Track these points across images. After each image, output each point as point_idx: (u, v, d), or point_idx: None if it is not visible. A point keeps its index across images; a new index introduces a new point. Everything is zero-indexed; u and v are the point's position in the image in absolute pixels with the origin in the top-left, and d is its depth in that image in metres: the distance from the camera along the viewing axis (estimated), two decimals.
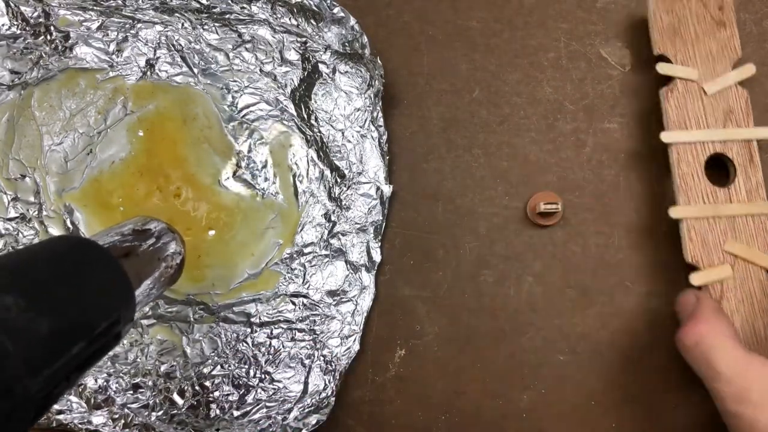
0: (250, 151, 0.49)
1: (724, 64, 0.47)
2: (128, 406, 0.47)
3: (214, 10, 0.48)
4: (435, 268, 0.48)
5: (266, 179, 0.48)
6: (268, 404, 0.47)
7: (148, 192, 0.48)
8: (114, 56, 0.49)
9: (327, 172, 0.48)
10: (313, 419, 0.46)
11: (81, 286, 0.31)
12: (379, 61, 0.46)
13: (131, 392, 0.47)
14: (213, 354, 0.47)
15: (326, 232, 0.48)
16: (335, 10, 0.47)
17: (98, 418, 0.47)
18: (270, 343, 0.47)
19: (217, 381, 0.47)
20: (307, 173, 0.48)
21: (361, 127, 0.48)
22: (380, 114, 0.47)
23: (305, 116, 0.48)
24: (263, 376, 0.47)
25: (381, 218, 0.48)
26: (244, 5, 0.48)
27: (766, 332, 0.45)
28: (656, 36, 0.47)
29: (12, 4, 0.48)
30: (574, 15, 0.49)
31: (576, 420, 0.48)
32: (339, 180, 0.48)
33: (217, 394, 0.47)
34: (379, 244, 0.47)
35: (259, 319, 0.48)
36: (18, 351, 0.26)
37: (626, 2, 0.49)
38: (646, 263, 0.48)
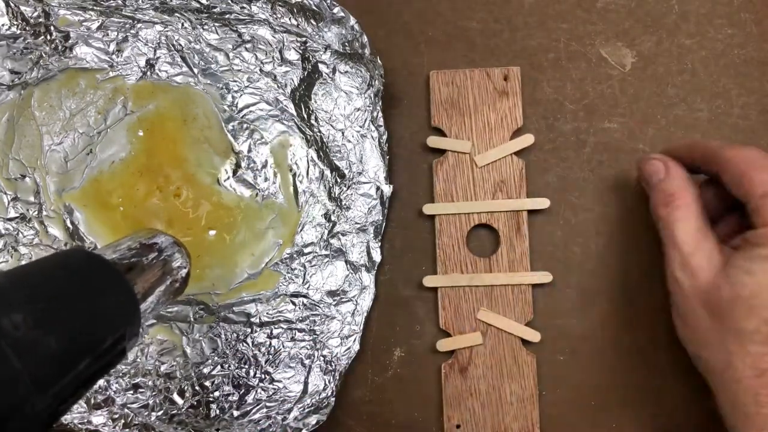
0: (250, 151, 0.49)
1: (503, 134, 0.48)
2: (128, 406, 0.47)
3: (214, 10, 0.48)
4: (435, 268, 0.48)
5: (266, 179, 0.48)
6: (268, 404, 0.47)
7: (148, 192, 0.48)
8: (114, 56, 0.49)
9: (327, 172, 0.48)
10: (313, 419, 0.46)
11: (89, 303, 0.31)
12: (379, 61, 0.46)
13: (131, 392, 0.47)
14: (213, 354, 0.47)
15: (326, 232, 0.48)
16: (335, 10, 0.47)
17: (98, 418, 0.47)
18: (270, 343, 0.47)
19: (217, 381, 0.47)
20: (307, 173, 0.48)
21: (361, 126, 0.48)
22: (380, 114, 0.47)
23: (305, 116, 0.48)
24: (263, 376, 0.47)
25: (381, 218, 0.48)
26: (244, 5, 0.48)
27: (512, 397, 0.47)
28: (433, 109, 0.49)
29: (12, 4, 0.48)
30: (574, 15, 0.49)
31: (576, 420, 0.48)
32: (339, 180, 0.48)
33: (217, 394, 0.47)
34: (379, 244, 0.47)
35: (259, 319, 0.48)
36: (26, 369, 0.26)
37: (626, 2, 0.49)
38: (646, 263, 0.48)
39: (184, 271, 0.42)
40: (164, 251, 0.40)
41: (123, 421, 0.46)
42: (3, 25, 0.48)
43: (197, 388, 0.47)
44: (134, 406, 0.47)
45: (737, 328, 0.37)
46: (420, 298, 0.49)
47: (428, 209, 0.48)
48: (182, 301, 0.48)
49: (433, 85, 0.48)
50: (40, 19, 0.48)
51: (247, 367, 0.47)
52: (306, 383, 0.47)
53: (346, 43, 0.47)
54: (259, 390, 0.47)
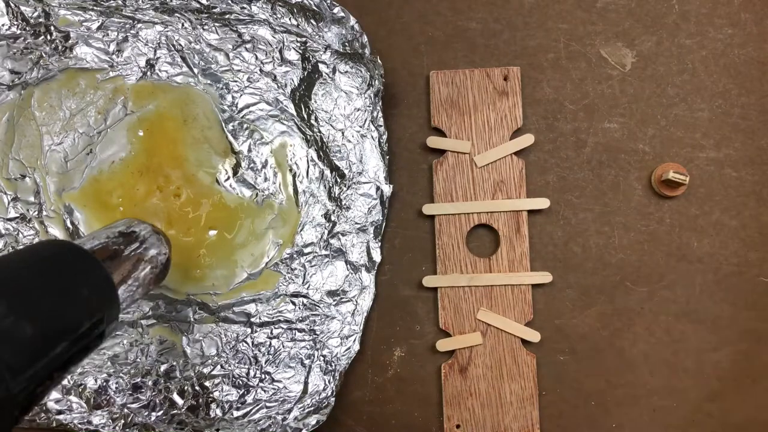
0: (250, 151, 0.48)
1: (503, 134, 0.48)
2: (128, 406, 0.47)
3: (214, 10, 0.48)
4: (435, 268, 0.48)
5: (266, 179, 0.48)
6: (268, 404, 0.47)
7: (148, 192, 0.48)
8: (114, 56, 0.49)
9: (327, 172, 0.48)
10: (313, 419, 0.46)
11: (64, 289, 0.32)
12: (379, 61, 0.46)
13: (131, 392, 0.47)
14: (213, 354, 0.47)
15: (326, 232, 0.48)
16: (335, 10, 0.47)
17: (98, 418, 0.47)
18: (270, 343, 0.47)
19: (217, 381, 0.47)
20: (307, 173, 0.48)
21: (361, 126, 0.48)
22: (380, 114, 0.47)
23: (305, 116, 0.48)
24: (263, 376, 0.47)
25: (381, 218, 0.48)
26: (244, 5, 0.48)
27: (512, 398, 0.47)
28: (433, 109, 0.49)
29: (12, 4, 0.48)
30: (574, 15, 0.49)
31: (576, 420, 0.48)
32: (339, 180, 0.48)
33: (217, 394, 0.47)
34: (379, 244, 0.47)
35: (259, 319, 0.48)
36: (0, 354, 0.27)
37: (626, 2, 0.49)
38: (646, 263, 0.48)
39: (163, 258, 0.43)
40: (143, 239, 0.42)
41: (123, 421, 0.46)
42: (3, 25, 0.48)
43: (197, 388, 0.47)
44: (134, 406, 0.47)
45: None
46: (420, 298, 0.49)
47: (428, 209, 0.48)
48: (182, 301, 0.48)
49: (433, 85, 0.48)
50: (40, 19, 0.48)
51: (247, 367, 0.47)
52: (306, 383, 0.47)
53: (346, 43, 0.47)
54: (259, 390, 0.47)
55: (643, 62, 0.49)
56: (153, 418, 0.47)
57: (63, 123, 0.48)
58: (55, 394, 0.47)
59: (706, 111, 0.49)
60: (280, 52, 0.48)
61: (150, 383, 0.47)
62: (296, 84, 0.48)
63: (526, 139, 0.48)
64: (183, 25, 0.48)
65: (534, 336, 0.47)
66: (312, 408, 0.46)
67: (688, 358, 0.48)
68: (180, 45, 0.49)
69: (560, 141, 0.49)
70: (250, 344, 0.47)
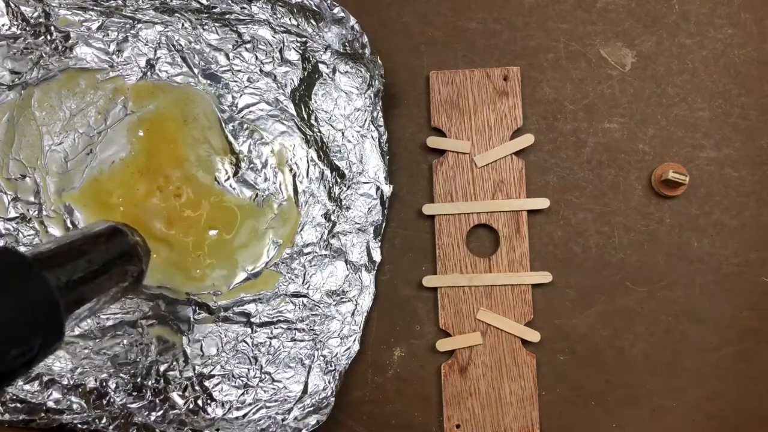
0: (250, 151, 0.49)
1: (503, 134, 0.48)
2: (128, 405, 0.47)
3: (215, 10, 0.48)
4: (435, 268, 0.48)
5: (266, 179, 0.48)
6: (268, 404, 0.47)
7: (148, 192, 0.48)
8: (114, 56, 0.49)
9: (327, 172, 0.48)
10: (312, 419, 0.46)
11: None
12: (379, 61, 0.46)
13: (131, 392, 0.47)
14: (213, 354, 0.47)
15: (326, 232, 0.48)
16: (335, 10, 0.47)
17: (98, 418, 0.46)
18: (270, 343, 0.48)
19: (217, 381, 0.47)
20: (307, 173, 0.48)
21: (361, 127, 0.48)
22: (380, 114, 0.47)
23: (305, 116, 0.48)
24: (263, 376, 0.47)
25: (381, 218, 0.48)
26: (244, 5, 0.48)
27: (511, 398, 0.47)
28: (433, 109, 0.49)
29: (12, 4, 0.48)
30: (574, 15, 0.49)
31: (576, 420, 0.48)
32: (339, 180, 0.48)
33: (217, 394, 0.47)
34: (379, 244, 0.47)
35: (259, 319, 0.48)
36: None
37: (626, 2, 0.49)
38: (646, 263, 0.48)
39: (135, 269, 0.37)
40: (112, 245, 0.35)
41: (123, 420, 0.46)
42: (3, 25, 0.48)
43: (197, 388, 0.47)
44: (134, 405, 0.47)
45: None
46: (420, 298, 0.49)
47: (428, 209, 0.48)
48: (182, 301, 0.48)
49: (432, 85, 0.48)
50: (41, 19, 0.48)
51: (247, 367, 0.47)
52: (306, 383, 0.47)
53: (346, 44, 0.47)
54: (259, 390, 0.47)
55: (643, 62, 0.49)
56: (153, 418, 0.47)
57: (63, 123, 0.49)
58: (55, 394, 0.47)
59: (706, 111, 0.49)
60: (280, 52, 0.48)
61: (150, 383, 0.47)
62: (296, 84, 0.48)
63: (526, 139, 0.48)
64: (183, 25, 0.48)
65: (534, 336, 0.47)
66: (312, 408, 0.46)
67: (688, 358, 0.48)
68: (180, 45, 0.49)
69: (560, 141, 0.49)
70: (250, 344, 0.47)
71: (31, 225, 0.48)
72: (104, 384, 0.47)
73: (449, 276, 0.48)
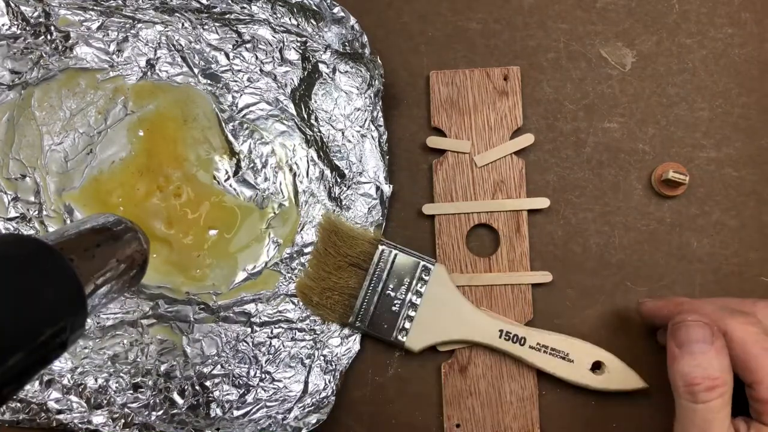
0: (250, 151, 0.49)
1: (502, 134, 0.48)
2: (128, 405, 0.47)
3: (214, 10, 0.48)
4: None
5: (266, 179, 0.49)
6: (268, 404, 0.47)
7: (148, 192, 0.48)
8: (114, 56, 0.49)
9: (327, 172, 0.48)
10: (313, 419, 0.46)
11: (23, 290, 0.28)
12: (379, 61, 0.46)
13: (131, 392, 0.47)
14: (213, 354, 0.47)
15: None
16: (335, 10, 0.47)
17: (98, 418, 0.47)
18: (270, 343, 0.48)
19: (217, 380, 0.47)
20: (307, 173, 0.48)
21: (361, 126, 0.48)
22: (380, 114, 0.47)
23: (305, 116, 0.48)
24: (263, 375, 0.47)
25: (381, 218, 0.48)
26: (244, 5, 0.48)
27: (512, 397, 0.47)
28: (433, 109, 0.49)
29: (12, 4, 0.48)
30: (574, 15, 0.49)
31: (576, 420, 0.48)
32: (339, 180, 0.48)
33: (217, 393, 0.47)
34: None
35: (260, 318, 0.48)
36: None
37: (626, 2, 0.49)
38: (646, 263, 0.48)
39: (140, 258, 0.38)
40: (118, 235, 0.37)
41: (123, 420, 0.46)
42: (3, 25, 0.48)
43: (197, 387, 0.47)
44: (134, 405, 0.47)
45: None
46: None
47: (428, 209, 0.48)
48: (182, 301, 0.48)
49: (432, 85, 0.48)
50: (41, 19, 0.48)
51: (247, 366, 0.47)
52: (306, 383, 0.47)
53: (346, 43, 0.47)
54: (260, 389, 0.47)
55: (643, 62, 0.49)
56: (153, 418, 0.47)
57: (63, 123, 0.49)
58: (55, 394, 0.47)
59: (706, 110, 0.49)
60: (280, 51, 0.48)
61: (150, 383, 0.47)
62: (296, 84, 0.48)
63: (526, 139, 0.48)
64: (183, 24, 0.49)
65: None
66: (312, 407, 0.46)
67: None
68: (180, 45, 0.49)
69: (560, 141, 0.49)
70: (251, 344, 0.48)
71: (31, 225, 0.48)
72: (104, 384, 0.47)
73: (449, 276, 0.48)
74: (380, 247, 0.46)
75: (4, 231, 0.48)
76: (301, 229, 0.48)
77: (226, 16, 0.48)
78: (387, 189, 0.47)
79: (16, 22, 0.48)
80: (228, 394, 0.47)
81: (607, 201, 0.49)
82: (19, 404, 0.46)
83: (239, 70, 0.49)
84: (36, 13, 0.48)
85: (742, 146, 0.48)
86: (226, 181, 0.49)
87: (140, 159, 0.49)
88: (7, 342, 0.27)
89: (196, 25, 0.49)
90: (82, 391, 0.47)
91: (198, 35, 0.49)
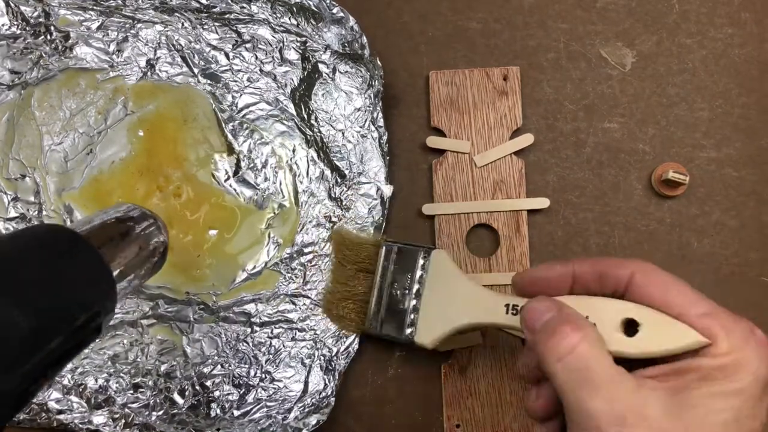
0: (250, 151, 0.49)
1: (502, 133, 0.48)
2: (129, 405, 0.47)
3: (214, 10, 0.48)
4: None
5: (266, 179, 0.49)
6: (268, 404, 0.47)
7: (148, 192, 0.48)
8: (114, 56, 0.49)
9: (327, 172, 0.48)
10: (313, 419, 0.46)
11: (59, 278, 0.30)
12: (379, 62, 0.46)
13: (131, 392, 0.47)
14: (213, 354, 0.47)
15: (326, 232, 0.48)
16: (335, 10, 0.47)
17: (99, 418, 0.47)
18: (270, 343, 0.48)
19: (217, 381, 0.47)
20: (307, 173, 0.48)
21: (361, 127, 0.48)
22: (380, 114, 0.47)
23: (305, 116, 0.48)
24: (263, 375, 0.47)
25: (381, 218, 0.48)
26: (244, 5, 0.48)
27: (512, 397, 0.47)
28: (432, 109, 0.48)
29: (12, 4, 0.48)
30: (574, 15, 0.49)
31: None
32: (339, 180, 0.48)
33: (217, 393, 0.47)
34: None
35: (260, 318, 0.48)
36: None
37: (626, 2, 0.49)
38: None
39: (162, 247, 0.40)
40: (140, 224, 0.38)
41: (123, 420, 0.46)
42: (3, 25, 0.48)
43: (198, 387, 0.47)
44: (135, 405, 0.47)
45: None
46: None
47: (428, 209, 0.48)
48: (182, 301, 0.48)
49: (432, 85, 0.48)
50: (40, 19, 0.48)
51: (247, 366, 0.47)
52: (306, 383, 0.47)
53: (346, 44, 0.47)
54: (260, 389, 0.47)
55: (643, 62, 0.49)
56: (153, 418, 0.47)
57: (63, 123, 0.49)
58: (55, 394, 0.47)
59: (706, 111, 0.49)
60: (280, 51, 0.48)
61: (150, 383, 0.47)
62: (296, 84, 0.48)
63: (526, 139, 0.48)
64: (183, 24, 0.49)
65: None
66: (312, 407, 0.46)
67: None
68: (180, 45, 0.49)
69: (560, 141, 0.49)
70: (251, 344, 0.48)
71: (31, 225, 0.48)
72: (104, 384, 0.47)
73: None
74: (383, 247, 0.45)
75: (3, 231, 0.48)
76: (301, 229, 0.48)
77: (226, 16, 0.48)
78: (387, 189, 0.47)
79: (15, 22, 0.48)
80: (228, 394, 0.47)
81: (607, 201, 0.49)
82: None
83: (239, 70, 0.49)
84: (36, 13, 0.48)
85: (742, 146, 0.48)
86: (226, 181, 0.49)
87: (140, 159, 0.49)
88: (49, 326, 0.28)
89: (196, 24, 0.49)
90: (83, 391, 0.47)
91: (198, 35, 0.49)
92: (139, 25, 0.49)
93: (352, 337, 0.47)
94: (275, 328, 0.48)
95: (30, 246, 0.30)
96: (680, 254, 0.48)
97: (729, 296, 0.48)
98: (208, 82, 0.49)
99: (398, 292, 0.44)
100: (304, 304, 0.48)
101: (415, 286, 0.44)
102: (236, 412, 0.47)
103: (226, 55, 0.49)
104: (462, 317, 0.41)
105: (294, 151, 0.49)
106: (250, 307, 0.48)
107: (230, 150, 0.49)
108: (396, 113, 0.49)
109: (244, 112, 0.49)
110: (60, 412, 0.47)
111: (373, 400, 0.48)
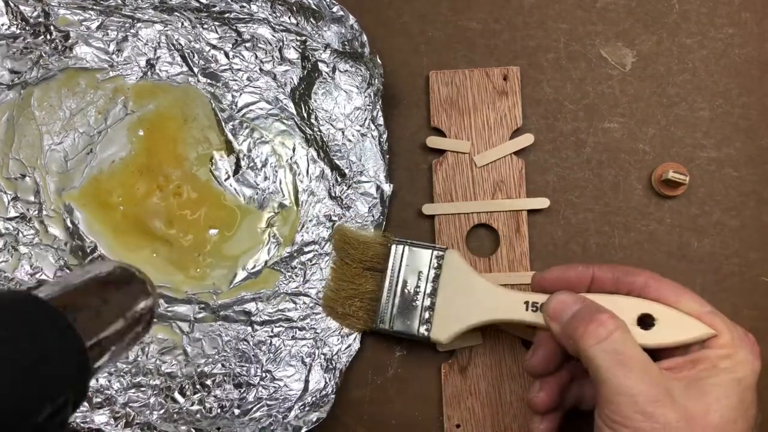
0: (250, 150, 0.49)
1: (502, 134, 0.48)
2: (129, 405, 0.47)
3: (214, 9, 0.48)
4: None
5: (266, 178, 0.49)
6: (268, 402, 0.47)
7: (148, 191, 0.48)
8: (114, 56, 0.49)
9: (327, 171, 0.48)
10: (313, 417, 0.46)
11: (14, 360, 0.23)
12: (378, 61, 0.46)
13: (132, 391, 0.47)
14: (214, 353, 0.48)
15: (326, 231, 0.48)
16: (334, 9, 0.47)
17: (100, 417, 0.47)
18: (271, 342, 0.48)
19: (217, 379, 0.47)
20: (307, 172, 0.49)
21: (361, 126, 0.48)
22: (380, 113, 0.47)
23: (305, 115, 0.48)
24: (264, 374, 0.47)
25: (381, 217, 0.48)
26: (244, 4, 0.48)
27: (512, 397, 0.47)
28: (432, 109, 0.48)
29: (12, 4, 0.48)
30: (574, 15, 0.49)
31: (576, 419, 0.48)
32: (339, 179, 0.48)
33: (218, 392, 0.47)
34: None
35: (260, 317, 0.48)
36: None
37: (626, 2, 0.49)
38: (646, 263, 0.48)
39: (148, 312, 0.34)
40: (124, 287, 0.33)
41: (124, 420, 0.47)
42: (3, 24, 0.48)
43: (198, 386, 0.47)
44: (136, 405, 0.47)
45: None
46: None
47: (428, 209, 0.48)
48: (183, 300, 0.48)
49: (432, 84, 0.48)
50: (40, 19, 0.48)
51: (248, 365, 0.47)
52: (307, 381, 0.47)
53: (346, 42, 0.47)
54: (260, 388, 0.47)
55: (643, 62, 0.49)
56: (154, 417, 0.47)
57: (63, 123, 0.49)
58: None
59: (706, 110, 0.49)
60: (280, 50, 0.48)
61: (151, 382, 0.47)
62: (296, 83, 0.48)
63: (526, 139, 0.48)
64: (182, 24, 0.48)
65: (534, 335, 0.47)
66: (312, 406, 0.46)
67: None
68: (180, 44, 0.49)
69: (560, 141, 0.49)
70: (251, 343, 0.48)
71: (31, 224, 0.48)
72: (105, 383, 0.47)
73: None
74: (393, 247, 0.46)
75: (3, 231, 0.48)
76: (301, 228, 0.48)
77: (226, 15, 0.48)
78: (387, 188, 0.47)
79: (15, 22, 0.48)
80: (229, 393, 0.47)
81: (607, 201, 0.49)
82: None
83: (239, 69, 0.49)
84: (35, 13, 0.48)
85: (742, 146, 0.48)
86: (226, 180, 0.49)
87: (140, 158, 0.49)
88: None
89: (196, 24, 0.48)
90: None
91: (197, 34, 0.49)
92: (138, 25, 0.49)
93: (353, 336, 0.47)
94: (275, 326, 0.48)
95: None
96: (680, 254, 0.48)
97: (729, 296, 0.48)
98: (208, 81, 0.49)
99: (410, 290, 0.45)
100: (305, 302, 0.48)
101: (429, 285, 0.45)
102: (237, 411, 0.47)
103: (226, 55, 0.49)
104: (480, 314, 0.43)
105: (294, 150, 0.49)
106: (251, 306, 0.48)
107: (230, 149, 0.49)
108: (396, 113, 0.49)
109: (243, 111, 0.49)
110: None
111: (373, 400, 0.48)
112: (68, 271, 0.48)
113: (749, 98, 0.49)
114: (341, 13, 0.47)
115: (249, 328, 0.48)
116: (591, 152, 0.49)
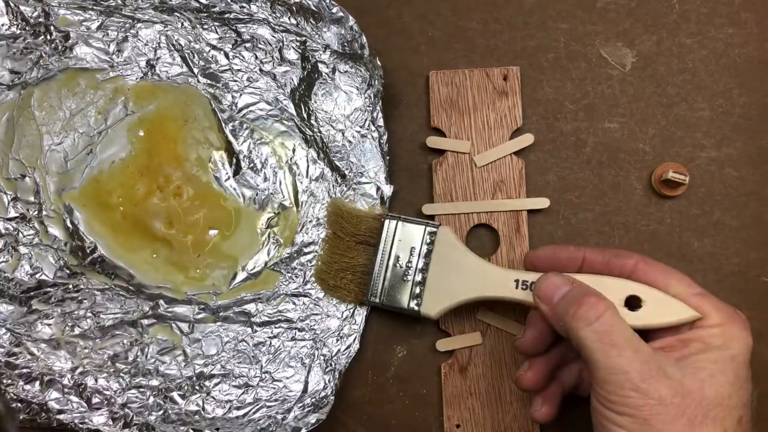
0: (250, 151, 0.49)
1: (502, 134, 0.48)
2: (128, 405, 0.47)
3: (214, 10, 0.48)
4: None
5: (266, 179, 0.49)
6: (268, 403, 0.47)
7: (148, 191, 0.48)
8: (114, 56, 0.49)
9: (327, 172, 0.48)
10: (312, 418, 0.46)
11: None
12: (378, 62, 0.46)
13: (131, 392, 0.47)
14: (213, 353, 0.48)
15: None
16: (334, 10, 0.47)
17: (99, 418, 0.47)
18: (270, 343, 0.48)
19: (217, 380, 0.47)
20: (307, 173, 0.49)
21: (361, 127, 0.48)
22: (380, 114, 0.47)
23: (305, 116, 0.48)
24: (263, 375, 0.47)
25: None
26: (244, 4, 0.48)
27: (512, 397, 0.47)
28: (432, 109, 0.48)
29: (12, 4, 0.48)
30: (574, 15, 0.49)
31: (575, 419, 0.48)
32: (339, 180, 0.48)
33: (217, 393, 0.47)
34: None
35: (260, 318, 0.48)
36: None
37: (626, 2, 0.49)
38: None
39: None
40: None
41: (123, 420, 0.46)
42: (3, 25, 0.48)
43: (197, 387, 0.47)
44: (134, 405, 0.47)
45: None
46: None
47: (428, 209, 0.48)
48: (182, 301, 0.48)
49: (432, 85, 0.48)
50: (40, 19, 0.48)
51: (247, 366, 0.47)
52: (306, 382, 0.47)
53: (346, 43, 0.47)
54: (260, 389, 0.47)
55: (643, 62, 0.49)
56: (153, 418, 0.47)
57: (63, 123, 0.49)
58: (55, 394, 0.47)
59: (706, 110, 0.49)
60: (280, 51, 0.48)
61: (150, 383, 0.47)
62: (296, 84, 0.48)
63: (526, 139, 0.48)
64: (182, 24, 0.49)
65: None
66: (312, 407, 0.46)
67: None
68: (180, 44, 0.49)
69: (560, 141, 0.49)
70: (251, 344, 0.48)
71: (31, 225, 0.48)
72: (104, 384, 0.47)
73: None
74: (386, 221, 0.46)
75: (3, 231, 0.48)
76: (301, 229, 0.48)
77: (226, 16, 0.48)
78: (387, 189, 0.47)
79: (15, 22, 0.48)
80: (228, 394, 0.47)
81: (607, 201, 0.48)
82: (19, 404, 0.46)
83: (239, 70, 0.49)
84: (35, 13, 0.48)
85: (742, 146, 0.48)
86: (226, 181, 0.49)
87: (140, 159, 0.49)
88: None
89: (196, 24, 0.49)
90: (82, 391, 0.47)
91: (197, 35, 0.49)
92: (138, 25, 0.49)
93: (353, 337, 0.47)
94: (275, 327, 0.48)
95: None
96: (680, 254, 0.48)
97: (729, 296, 0.48)
98: (208, 81, 0.49)
99: (401, 265, 0.45)
100: (304, 303, 0.48)
101: (421, 260, 0.45)
102: (236, 412, 0.47)
103: (226, 55, 0.49)
104: (470, 291, 0.44)
105: (294, 151, 0.49)
106: (250, 307, 0.48)
107: (230, 150, 0.49)
108: (396, 113, 0.49)
109: (243, 111, 0.49)
110: (60, 411, 0.47)
111: (373, 400, 0.48)
112: (68, 271, 0.48)
113: (749, 98, 0.49)
114: (341, 14, 0.47)
115: (249, 329, 0.48)
116: (591, 152, 0.49)
